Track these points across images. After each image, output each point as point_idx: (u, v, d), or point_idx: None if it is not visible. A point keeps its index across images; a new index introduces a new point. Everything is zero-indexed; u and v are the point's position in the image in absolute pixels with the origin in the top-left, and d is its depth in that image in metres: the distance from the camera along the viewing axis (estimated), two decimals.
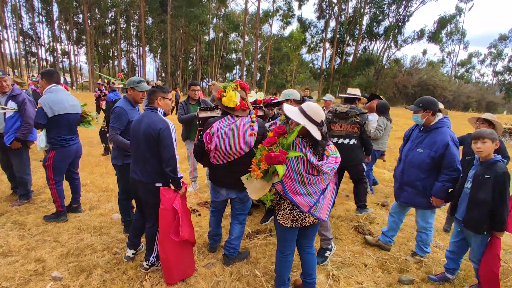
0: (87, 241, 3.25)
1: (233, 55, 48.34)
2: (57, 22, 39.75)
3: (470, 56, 52.26)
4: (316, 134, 2.10)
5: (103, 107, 8.05)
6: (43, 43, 42.85)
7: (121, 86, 7.18)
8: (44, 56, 43.52)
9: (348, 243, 3.53)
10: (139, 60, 44.94)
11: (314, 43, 41.91)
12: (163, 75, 44.86)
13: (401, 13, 36.40)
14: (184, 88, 35.01)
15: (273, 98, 4.15)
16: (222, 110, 2.78)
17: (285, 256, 2.39)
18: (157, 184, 2.59)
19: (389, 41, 38.22)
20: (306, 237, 2.45)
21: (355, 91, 4.26)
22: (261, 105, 3.82)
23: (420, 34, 37.62)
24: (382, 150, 5.17)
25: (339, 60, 40.75)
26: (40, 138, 3.67)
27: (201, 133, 2.88)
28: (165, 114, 2.67)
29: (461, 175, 2.80)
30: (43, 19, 40.98)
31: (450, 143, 2.80)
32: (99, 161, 6.39)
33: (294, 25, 54.92)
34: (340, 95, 4.85)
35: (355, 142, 3.95)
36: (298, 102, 3.09)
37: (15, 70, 36.49)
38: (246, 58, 43.07)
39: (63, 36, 42.35)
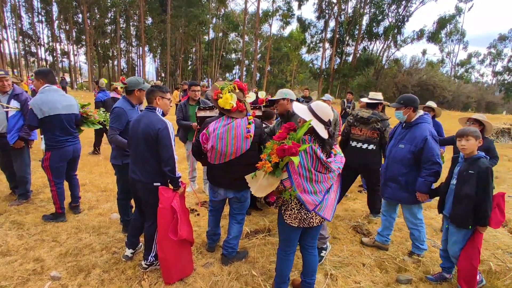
0: (85, 240, 3.26)
1: (233, 55, 48.35)
2: (56, 22, 39.70)
3: (470, 56, 52.34)
4: (323, 132, 2.14)
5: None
6: (42, 43, 42.81)
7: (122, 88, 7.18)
8: (43, 56, 43.50)
9: (347, 243, 3.54)
10: (138, 60, 44.93)
11: (313, 43, 41.87)
12: (163, 75, 44.83)
13: (400, 13, 36.41)
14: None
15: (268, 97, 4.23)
16: (219, 111, 2.79)
17: (288, 254, 2.41)
18: (155, 184, 2.59)
19: (388, 41, 38.23)
20: (310, 238, 2.45)
21: (378, 96, 4.29)
22: (260, 105, 3.83)
23: (419, 34, 37.64)
24: None
25: (338, 60, 40.71)
26: (43, 139, 3.68)
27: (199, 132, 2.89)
28: (163, 114, 2.67)
29: (441, 169, 2.90)
30: (43, 19, 40.91)
31: (429, 137, 2.89)
32: (98, 160, 6.39)
33: (294, 25, 55.04)
34: (361, 99, 4.89)
35: (374, 148, 3.94)
36: (294, 101, 3.09)
37: (15, 70, 36.40)
38: (246, 58, 43.06)
39: (63, 36, 42.32)
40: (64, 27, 41.02)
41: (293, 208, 2.22)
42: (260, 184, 2.17)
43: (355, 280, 2.84)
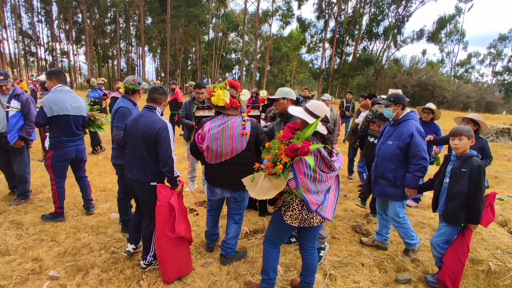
0: (84, 240, 3.25)
1: (233, 55, 48.32)
2: (56, 21, 39.70)
3: (470, 56, 52.26)
4: (320, 127, 2.15)
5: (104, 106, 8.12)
6: (42, 43, 42.79)
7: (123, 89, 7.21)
8: (43, 56, 43.50)
9: (346, 243, 3.54)
10: (138, 60, 44.90)
11: (313, 43, 41.92)
12: (163, 75, 44.83)
13: (400, 13, 36.47)
14: (183, 88, 34.94)
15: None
16: (215, 110, 2.79)
17: (278, 248, 2.43)
18: (152, 184, 2.60)
19: (388, 41, 38.27)
20: (310, 239, 2.44)
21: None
22: (259, 105, 3.83)
23: (419, 34, 37.71)
24: None
25: (338, 60, 40.76)
26: (47, 137, 3.69)
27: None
28: (161, 114, 2.70)
29: (428, 164, 2.95)
30: (43, 19, 40.89)
31: (415, 133, 2.94)
32: (97, 160, 6.39)
33: (294, 25, 55.17)
34: (381, 96, 5.03)
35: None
36: (294, 102, 3.08)
37: (14, 70, 36.38)
38: (246, 58, 43.07)
39: (62, 35, 42.33)
40: (63, 27, 41.03)
41: (295, 209, 2.20)
42: (261, 186, 2.12)
43: (354, 280, 2.84)
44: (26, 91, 4.08)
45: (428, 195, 4.86)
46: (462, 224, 2.56)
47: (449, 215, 2.62)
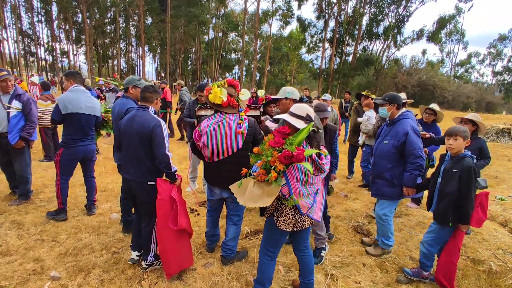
0: (85, 240, 3.25)
1: (233, 55, 48.29)
2: (56, 21, 39.66)
3: (470, 56, 52.30)
4: (297, 124, 2.13)
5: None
6: (42, 43, 42.75)
7: (115, 86, 7.23)
8: (43, 56, 43.47)
9: (347, 243, 3.54)
10: (138, 59, 44.87)
11: (313, 43, 41.86)
12: (163, 74, 44.80)
13: (400, 13, 36.40)
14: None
15: (267, 97, 4.24)
16: (213, 109, 2.80)
17: (274, 257, 2.38)
18: (150, 183, 2.61)
19: (388, 41, 38.22)
20: (302, 240, 2.44)
21: (402, 96, 4.51)
22: (260, 105, 3.82)
23: (419, 34, 37.65)
24: None
25: (338, 60, 40.70)
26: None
27: None
28: (155, 113, 2.71)
29: (424, 162, 2.96)
30: (42, 19, 40.84)
31: (410, 132, 2.95)
32: (98, 160, 6.36)
33: (294, 25, 55.16)
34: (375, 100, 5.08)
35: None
36: (297, 102, 3.06)
37: (14, 70, 36.35)
38: (246, 58, 43.03)
39: (62, 35, 42.31)
40: (63, 27, 41.00)
41: (288, 214, 2.18)
42: (251, 193, 2.05)
43: (355, 280, 2.84)
44: (26, 91, 4.08)
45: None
46: (450, 224, 2.57)
47: (439, 214, 2.63)
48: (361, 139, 5.33)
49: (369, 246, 3.39)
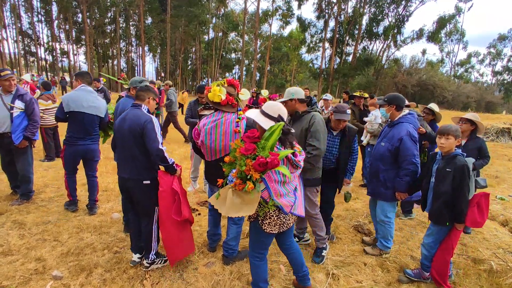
0: (87, 240, 3.26)
1: (233, 55, 48.30)
2: (56, 21, 39.67)
3: (469, 56, 52.26)
4: (265, 124, 2.05)
5: None
6: (42, 43, 42.75)
7: (103, 86, 7.31)
8: (43, 56, 43.48)
9: (348, 242, 3.54)
10: (138, 59, 44.84)
11: (313, 43, 41.85)
12: (163, 74, 44.81)
13: (400, 12, 36.40)
14: (183, 88, 34.92)
15: (272, 96, 4.22)
16: (213, 107, 2.80)
17: (264, 258, 2.36)
18: (145, 182, 2.61)
19: (388, 41, 38.22)
20: (287, 237, 2.43)
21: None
22: (258, 106, 3.83)
23: (419, 34, 37.65)
24: None
25: (338, 59, 40.69)
26: None
27: None
28: (149, 112, 2.71)
29: (417, 168, 2.94)
30: (42, 19, 40.87)
31: (405, 137, 2.92)
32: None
33: (294, 25, 55.00)
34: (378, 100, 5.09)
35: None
36: (303, 101, 3.01)
37: (14, 70, 36.34)
38: (246, 57, 43.04)
39: (62, 35, 42.31)
40: (63, 26, 41.00)
41: (272, 216, 2.15)
42: (232, 203, 1.99)
43: (356, 279, 2.84)
44: (27, 91, 4.10)
45: None
46: (448, 224, 2.58)
47: (435, 214, 2.63)
48: (366, 138, 5.31)
49: (368, 246, 3.40)
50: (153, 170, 2.67)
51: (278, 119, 2.09)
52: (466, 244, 3.63)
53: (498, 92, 46.09)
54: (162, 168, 2.70)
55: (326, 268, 2.99)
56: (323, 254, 3.12)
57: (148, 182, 2.63)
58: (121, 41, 42.10)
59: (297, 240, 3.44)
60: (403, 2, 35.51)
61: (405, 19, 36.37)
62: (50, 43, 42.48)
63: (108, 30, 41.58)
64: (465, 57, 53.19)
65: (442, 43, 45.01)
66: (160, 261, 2.81)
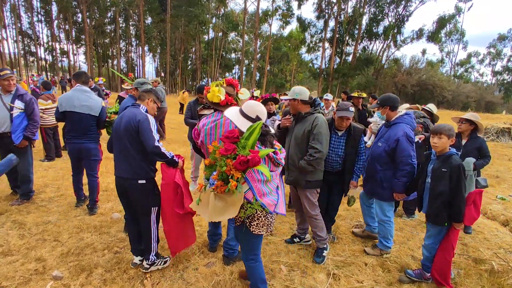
0: (87, 240, 3.25)
1: (233, 55, 48.26)
2: (56, 21, 39.63)
3: (469, 56, 52.22)
4: (242, 127, 2.07)
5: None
6: (42, 43, 42.71)
7: (96, 85, 7.38)
8: (43, 56, 43.42)
9: (348, 242, 3.54)
10: (138, 59, 44.79)
11: (313, 43, 41.83)
12: (163, 74, 44.77)
13: (400, 12, 36.41)
14: (183, 88, 34.89)
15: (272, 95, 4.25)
16: (213, 107, 2.79)
17: (259, 260, 2.33)
18: (140, 182, 2.59)
19: (388, 41, 38.22)
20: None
21: (432, 107, 4.67)
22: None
23: (419, 34, 37.65)
24: None
25: (338, 59, 40.68)
26: None
27: None
28: (146, 111, 2.68)
29: (414, 169, 2.94)
30: (42, 19, 40.82)
31: (401, 138, 2.92)
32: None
33: (294, 25, 55.09)
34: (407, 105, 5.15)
35: (418, 141, 3.94)
36: (306, 102, 2.98)
37: (14, 70, 36.30)
38: (246, 57, 43.02)
39: (62, 35, 42.26)
40: (63, 26, 40.97)
41: (260, 217, 2.14)
42: (214, 207, 1.98)
43: (357, 279, 2.84)
44: (27, 91, 4.10)
45: None
46: (446, 224, 2.57)
47: (432, 215, 2.63)
48: (370, 140, 5.24)
49: (369, 247, 3.39)
50: (149, 170, 2.64)
51: (256, 119, 2.10)
52: (467, 244, 3.62)
53: (498, 92, 46.10)
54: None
55: (327, 268, 2.98)
56: (324, 254, 3.12)
57: (144, 181, 2.60)
58: (121, 41, 42.08)
59: (299, 240, 3.43)
60: (403, 2, 35.52)
61: (405, 19, 36.40)
62: (50, 43, 42.47)
63: (108, 30, 41.53)
64: (465, 57, 53.24)
65: (442, 43, 45.02)
66: (160, 262, 2.79)
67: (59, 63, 42.97)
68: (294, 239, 3.44)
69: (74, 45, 42.33)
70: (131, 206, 2.75)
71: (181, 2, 36.63)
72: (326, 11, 38.50)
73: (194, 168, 4.83)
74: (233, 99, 2.75)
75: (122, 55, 44.06)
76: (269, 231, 2.21)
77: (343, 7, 37.84)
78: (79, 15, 38.21)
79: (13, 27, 37.54)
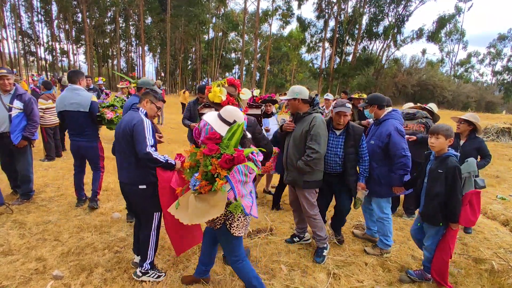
0: (87, 240, 3.25)
1: (233, 55, 48.25)
2: (56, 21, 39.64)
3: (469, 56, 52.19)
4: (220, 130, 2.12)
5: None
6: (42, 42, 42.69)
7: (94, 85, 7.37)
8: (43, 56, 43.40)
9: (349, 242, 3.54)
10: (138, 59, 44.77)
11: (313, 43, 41.83)
12: (163, 74, 44.79)
13: (400, 12, 36.43)
14: (183, 87, 34.91)
15: (271, 96, 4.27)
16: (214, 107, 2.79)
17: (245, 259, 2.32)
18: (141, 187, 2.52)
19: (388, 41, 38.23)
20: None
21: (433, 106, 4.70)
22: (261, 104, 3.82)
23: (419, 34, 37.67)
24: None
25: (338, 59, 40.68)
26: None
27: None
28: (147, 115, 2.61)
29: (409, 161, 2.97)
30: (42, 18, 40.81)
31: (393, 132, 2.99)
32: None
33: (294, 25, 54.93)
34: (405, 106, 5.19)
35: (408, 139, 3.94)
36: (306, 102, 2.98)
37: (14, 69, 36.28)
38: (246, 57, 43.01)
39: (62, 35, 42.26)
40: (63, 26, 40.98)
41: (240, 217, 2.14)
42: (195, 209, 1.97)
43: (357, 279, 2.84)
44: (26, 91, 4.09)
45: None
46: (441, 224, 2.58)
47: (428, 215, 2.64)
48: None
49: (369, 246, 3.40)
50: (150, 174, 2.54)
51: (233, 124, 2.13)
52: (467, 244, 3.62)
53: (498, 92, 46.06)
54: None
55: (327, 268, 2.98)
56: (324, 254, 3.12)
57: (144, 187, 2.52)
58: (121, 41, 42.08)
59: (298, 240, 3.44)
60: (403, 2, 35.53)
61: (405, 18, 36.41)
62: (50, 43, 42.45)
63: (108, 30, 41.52)
64: (465, 57, 53.26)
65: (442, 43, 45.03)
66: (153, 274, 2.64)
67: (59, 63, 42.97)
68: (294, 239, 3.44)
69: (74, 45, 42.33)
70: (134, 209, 2.75)
71: (181, 2, 36.62)
72: (326, 11, 38.51)
73: None
74: (235, 100, 2.74)
75: (122, 55, 44.08)
76: (245, 232, 2.24)
77: (343, 7, 37.85)
78: (79, 15, 38.21)
79: (13, 27, 37.54)
